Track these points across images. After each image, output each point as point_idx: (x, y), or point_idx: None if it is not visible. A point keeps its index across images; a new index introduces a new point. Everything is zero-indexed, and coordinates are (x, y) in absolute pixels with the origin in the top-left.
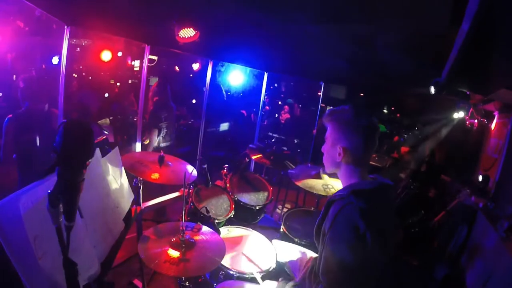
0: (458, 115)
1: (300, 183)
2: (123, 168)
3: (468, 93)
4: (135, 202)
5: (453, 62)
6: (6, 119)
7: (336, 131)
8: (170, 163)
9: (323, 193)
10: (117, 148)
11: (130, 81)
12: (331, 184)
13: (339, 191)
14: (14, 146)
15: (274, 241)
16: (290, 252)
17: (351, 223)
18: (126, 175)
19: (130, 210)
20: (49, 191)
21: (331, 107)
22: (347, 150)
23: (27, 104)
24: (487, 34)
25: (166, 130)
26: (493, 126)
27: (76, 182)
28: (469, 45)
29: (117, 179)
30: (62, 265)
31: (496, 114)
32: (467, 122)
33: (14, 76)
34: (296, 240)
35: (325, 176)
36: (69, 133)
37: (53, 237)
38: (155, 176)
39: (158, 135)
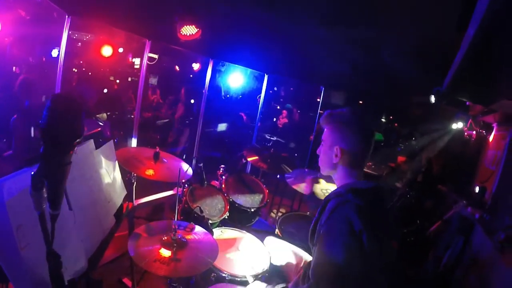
0: (457, 126)
1: (297, 187)
2: (116, 162)
3: (467, 103)
4: (128, 198)
5: (455, 70)
6: (12, 118)
7: (334, 132)
8: (165, 160)
9: (321, 197)
10: (111, 141)
11: (129, 79)
12: (329, 188)
13: (335, 189)
14: (25, 143)
15: (267, 238)
16: (283, 252)
17: (347, 220)
18: (120, 170)
19: (121, 205)
20: (32, 172)
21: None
22: (344, 151)
23: (27, 102)
24: (492, 41)
25: None
26: (491, 138)
27: (62, 164)
28: (473, 52)
29: (110, 173)
30: (46, 257)
31: (494, 126)
32: (466, 133)
33: (14, 68)
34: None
35: (322, 181)
36: (55, 107)
37: (38, 228)
38: (150, 172)
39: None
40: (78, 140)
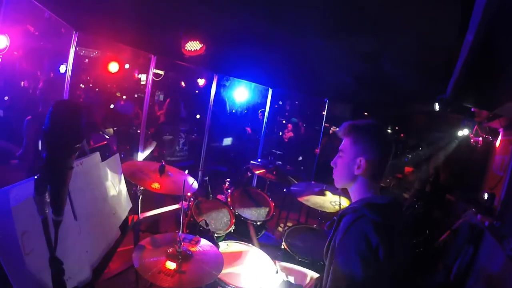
0: (463, 132)
1: (303, 199)
2: (122, 175)
3: (472, 109)
4: (133, 211)
5: (458, 75)
6: (25, 120)
7: (357, 144)
8: (171, 174)
9: (331, 210)
10: (117, 154)
11: (136, 95)
12: (337, 200)
13: (351, 204)
14: (33, 144)
15: (278, 263)
16: (292, 271)
17: (364, 236)
18: (126, 183)
19: (127, 218)
20: (35, 177)
21: (335, 127)
22: (368, 163)
23: (41, 107)
24: (491, 45)
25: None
26: (498, 143)
27: (63, 168)
28: (474, 57)
29: (115, 186)
30: (48, 263)
31: (501, 131)
32: (472, 140)
33: (22, 83)
34: (297, 257)
35: (328, 193)
36: (57, 112)
37: (43, 235)
38: (155, 185)
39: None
40: (78, 145)
